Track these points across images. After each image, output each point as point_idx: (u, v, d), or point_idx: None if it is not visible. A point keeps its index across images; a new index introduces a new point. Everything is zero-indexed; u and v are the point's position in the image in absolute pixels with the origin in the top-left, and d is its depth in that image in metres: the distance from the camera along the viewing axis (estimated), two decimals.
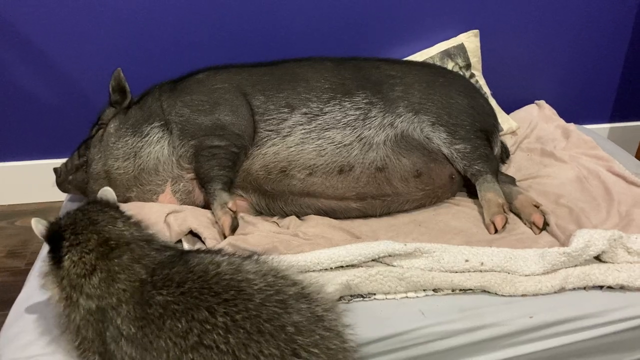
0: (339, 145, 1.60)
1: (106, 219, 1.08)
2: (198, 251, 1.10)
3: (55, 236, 1.05)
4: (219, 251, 1.09)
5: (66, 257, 1.03)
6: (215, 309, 0.94)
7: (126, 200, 1.62)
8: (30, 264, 1.47)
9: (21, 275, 1.67)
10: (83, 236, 1.04)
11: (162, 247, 1.09)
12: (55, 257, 1.04)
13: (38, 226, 1.06)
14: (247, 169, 1.61)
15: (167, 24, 1.99)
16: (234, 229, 1.47)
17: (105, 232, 1.05)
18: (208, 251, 1.09)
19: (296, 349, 0.92)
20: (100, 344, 0.99)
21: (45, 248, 1.39)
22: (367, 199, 1.61)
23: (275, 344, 0.91)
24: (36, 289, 1.29)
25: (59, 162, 1.75)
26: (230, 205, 1.50)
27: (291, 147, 1.60)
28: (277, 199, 1.62)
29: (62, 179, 1.66)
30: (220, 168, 1.57)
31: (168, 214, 1.49)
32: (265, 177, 1.60)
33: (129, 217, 1.13)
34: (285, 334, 0.92)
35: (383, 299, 1.26)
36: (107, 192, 1.17)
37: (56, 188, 1.68)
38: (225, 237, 1.45)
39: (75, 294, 1.01)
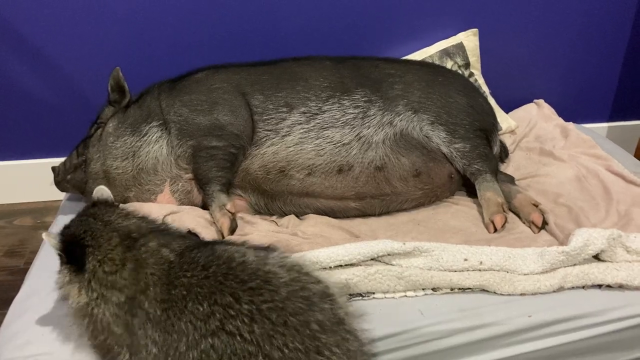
0: (338, 144, 1.60)
1: (118, 217, 1.09)
2: (225, 242, 1.10)
3: (71, 247, 1.05)
4: (244, 243, 1.08)
5: (90, 259, 1.02)
6: (240, 296, 0.92)
7: (125, 200, 1.61)
8: (29, 263, 1.47)
9: (19, 274, 1.67)
10: (103, 238, 1.04)
11: (184, 234, 1.12)
12: (76, 266, 1.04)
13: (52, 241, 1.05)
14: (246, 168, 1.61)
15: (166, 23, 1.99)
16: (232, 230, 1.47)
17: (124, 228, 1.07)
18: (234, 243, 1.08)
19: (319, 346, 0.91)
20: (127, 336, 0.99)
21: (49, 255, 1.39)
22: (366, 199, 1.61)
23: (300, 339, 0.90)
24: (35, 288, 1.29)
25: (57, 161, 1.75)
26: (228, 207, 1.50)
27: (290, 146, 1.60)
28: (276, 199, 1.61)
29: (61, 178, 1.66)
30: (219, 169, 1.56)
31: (166, 215, 1.49)
32: (264, 177, 1.60)
33: (135, 214, 1.14)
34: (310, 330, 0.91)
35: (382, 298, 1.26)
36: (104, 191, 1.16)
37: (54, 187, 1.68)
38: (223, 237, 1.45)
39: (107, 291, 1.00)
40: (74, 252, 1.04)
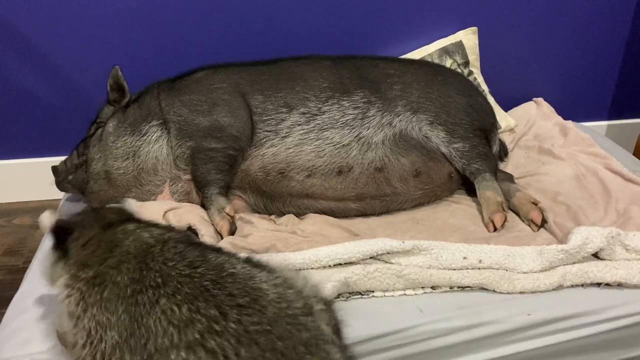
0: (338, 145, 1.60)
1: (109, 211, 1.08)
2: (216, 250, 1.02)
3: (60, 231, 1.03)
4: (233, 254, 1.01)
5: (72, 244, 1.00)
6: (227, 312, 0.83)
7: None
8: (28, 262, 1.47)
9: (19, 273, 1.67)
10: (88, 224, 1.03)
11: (175, 229, 1.06)
12: (61, 250, 1.01)
13: (43, 222, 1.05)
14: (246, 169, 1.61)
15: (166, 23, 1.98)
16: (232, 233, 1.47)
17: (106, 215, 1.05)
18: (224, 252, 1.02)
19: None
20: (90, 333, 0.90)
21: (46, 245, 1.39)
22: (366, 200, 1.61)
23: None
24: (34, 287, 1.29)
25: (56, 160, 1.75)
26: (227, 210, 1.49)
27: (290, 148, 1.59)
28: (276, 200, 1.61)
29: (62, 179, 1.65)
30: (217, 172, 1.56)
31: (167, 211, 1.50)
32: (263, 179, 1.60)
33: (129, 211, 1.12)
34: (297, 353, 0.83)
35: (381, 297, 1.26)
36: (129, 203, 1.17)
37: (54, 186, 1.68)
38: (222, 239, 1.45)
39: (80, 271, 0.95)
40: (61, 236, 1.01)
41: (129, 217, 1.06)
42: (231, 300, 0.84)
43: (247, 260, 0.99)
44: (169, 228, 1.05)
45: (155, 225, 1.04)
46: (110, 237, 0.98)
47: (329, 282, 1.21)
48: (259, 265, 0.97)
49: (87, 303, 0.91)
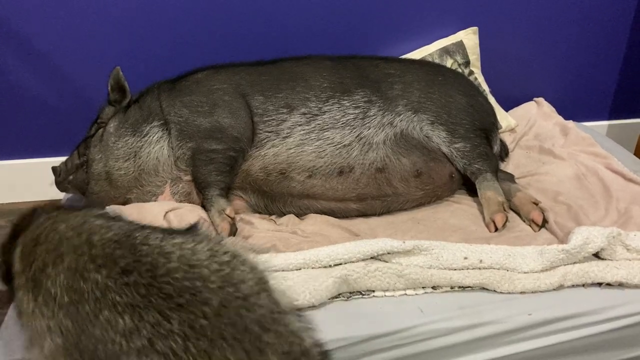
0: (339, 145, 1.60)
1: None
2: (147, 230, 0.97)
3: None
4: (170, 232, 0.97)
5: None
6: (169, 315, 0.83)
7: (126, 202, 1.61)
8: None
9: None
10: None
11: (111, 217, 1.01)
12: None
13: None
14: (247, 170, 1.61)
15: (166, 23, 1.98)
16: (232, 234, 1.47)
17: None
18: (156, 230, 0.98)
19: (263, 349, 0.83)
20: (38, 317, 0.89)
21: None
22: (367, 200, 1.61)
23: (240, 347, 0.82)
24: None
25: (57, 160, 1.75)
26: (228, 211, 1.49)
27: (291, 148, 1.59)
28: (276, 200, 1.61)
29: (62, 179, 1.65)
30: (218, 173, 1.56)
31: (168, 212, 1.50)
32: (264, 179, 1.60)
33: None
34: (251, 334, 0.83)
35: (382, 296, 1.26)
36: None
37: (54, 187, 1.68)
38: None
39: (17, 279, 0.94)
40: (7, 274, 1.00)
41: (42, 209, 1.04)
42: (169, 302, 0.84)
43: (190, 238, 0.95)
44: (78, 214, 1.01)
45: (69, 211, 1.02)
46: (28, 239, 0.96)
47: (329, 277, 1.21)
48: (202, 240, 0.94)
49: (35, 305, 0.90)
